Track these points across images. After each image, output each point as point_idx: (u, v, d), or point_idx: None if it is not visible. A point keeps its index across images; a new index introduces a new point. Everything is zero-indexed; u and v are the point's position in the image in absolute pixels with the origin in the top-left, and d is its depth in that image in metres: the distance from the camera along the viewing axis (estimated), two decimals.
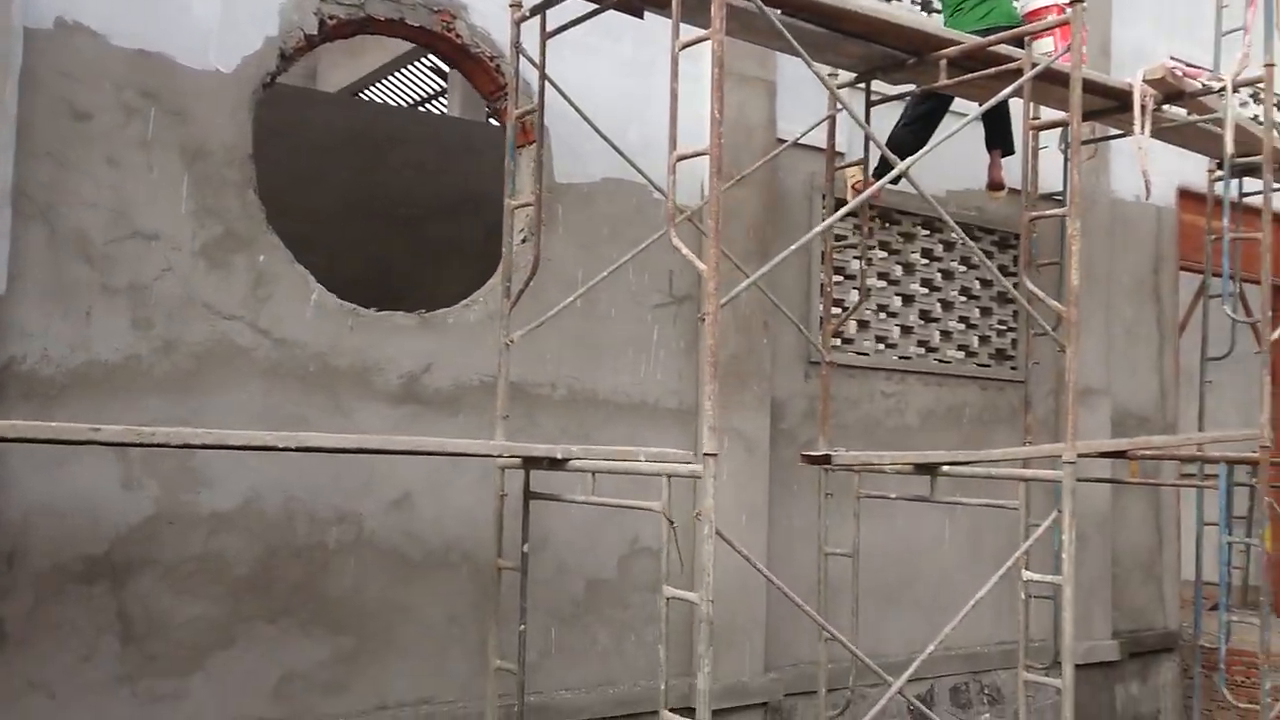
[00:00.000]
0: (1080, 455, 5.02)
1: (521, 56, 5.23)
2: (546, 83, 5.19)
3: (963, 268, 7.47)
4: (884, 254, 7.10)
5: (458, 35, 5.56)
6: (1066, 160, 7.12)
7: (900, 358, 7.10)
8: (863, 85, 6.08)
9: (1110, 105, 6.66)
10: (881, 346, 7.06)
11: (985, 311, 7.57)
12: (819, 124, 6.18)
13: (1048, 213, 5.34)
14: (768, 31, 5.17)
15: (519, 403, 5.58)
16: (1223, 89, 6.27)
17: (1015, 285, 7.37)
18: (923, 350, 7.26)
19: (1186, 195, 8.63)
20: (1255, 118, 9.17)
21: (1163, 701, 8.38)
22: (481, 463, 5.33)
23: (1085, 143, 7.19)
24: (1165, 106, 6.72)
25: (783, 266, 6.41)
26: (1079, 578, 7.58)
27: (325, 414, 5.05)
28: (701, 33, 4.28)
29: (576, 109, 5.29)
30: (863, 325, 6.96)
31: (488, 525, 5.19)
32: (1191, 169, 8.37)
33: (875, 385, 6.92)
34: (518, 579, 5.04)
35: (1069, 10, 6.17)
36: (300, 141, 7.12)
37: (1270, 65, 6.10)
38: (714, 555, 4.05)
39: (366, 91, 12.81)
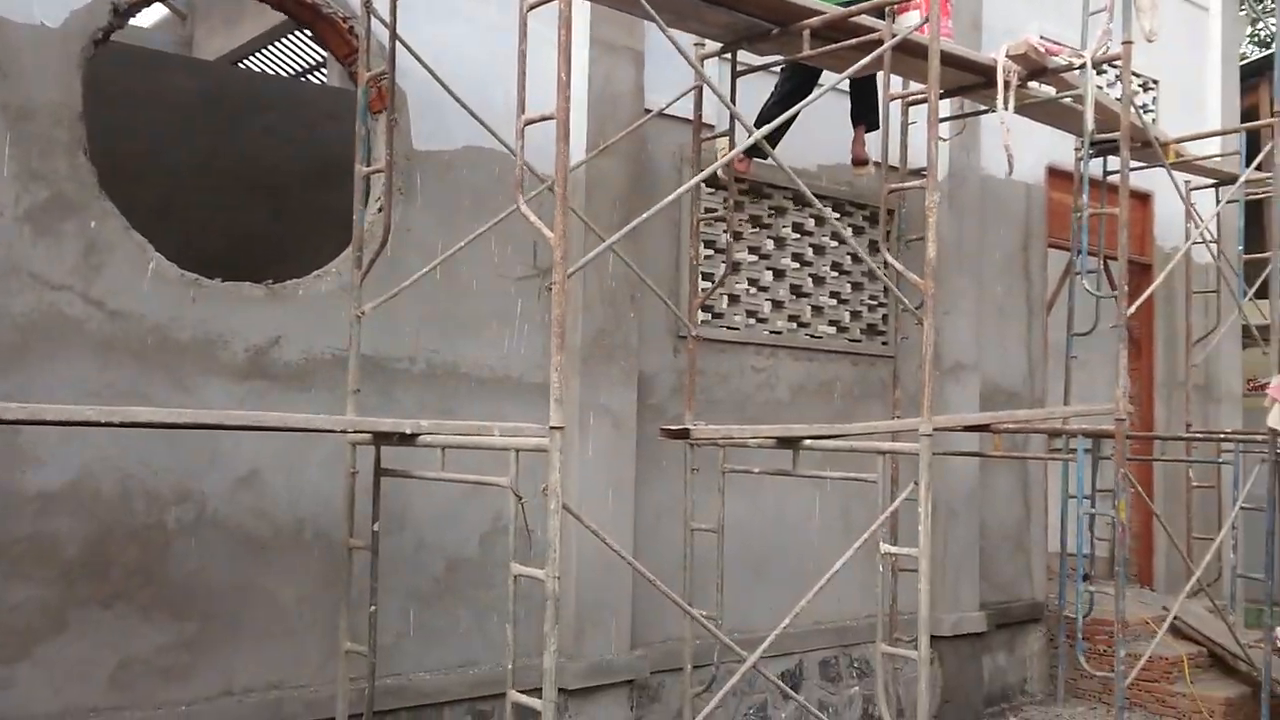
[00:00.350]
0: (940, 429, 5.02)
1: (374, 18, 5.06)
2: (404, 46, 5.02)
3: (834, 243, 7.47)
4: (755, 228, 7.06)
5: None
6: (933, 136, 7.15)
7: (771, 332, 7.09)
8: (729, 56, 6.02)
9: (976, 81, 6.70)
10: (752, 321, 7.03)
11: (857, 286, 7.59)
12: (684, 95, 6.11)
13: (905, 185, 5.32)
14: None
15: (376, 378, 5.42)
16: (1083, 66, 6.34)
17: (855, 258, 7.43)
18: (794, 325, 7.25)
19: (1055, 173, 8.77)
20: (1099, 89, 9.36)
21: (1029, 671, 8.56)
22: (336, 439, 5.15)
23: (952, 118, 7.27)
24: (1031, 83, 6.80)
25: (652, 240, 6.38)
26: (948, 551, 7.71)
27: (166, 390, 4.82)
28: None
29: (429, 70, 5.14)
30: (733, 300, 6.92)
31: (342, 503, 5.03)
32: (1061, 147, 8.51)
33: (746, 360, 6.89)
34: (373, 558, 4.89)
35: None
36: (153, 106, 6.81)
37: (1128, 43, 6.17)
38: (561, 531, 3.96)
39: (246, 61, 12.38)
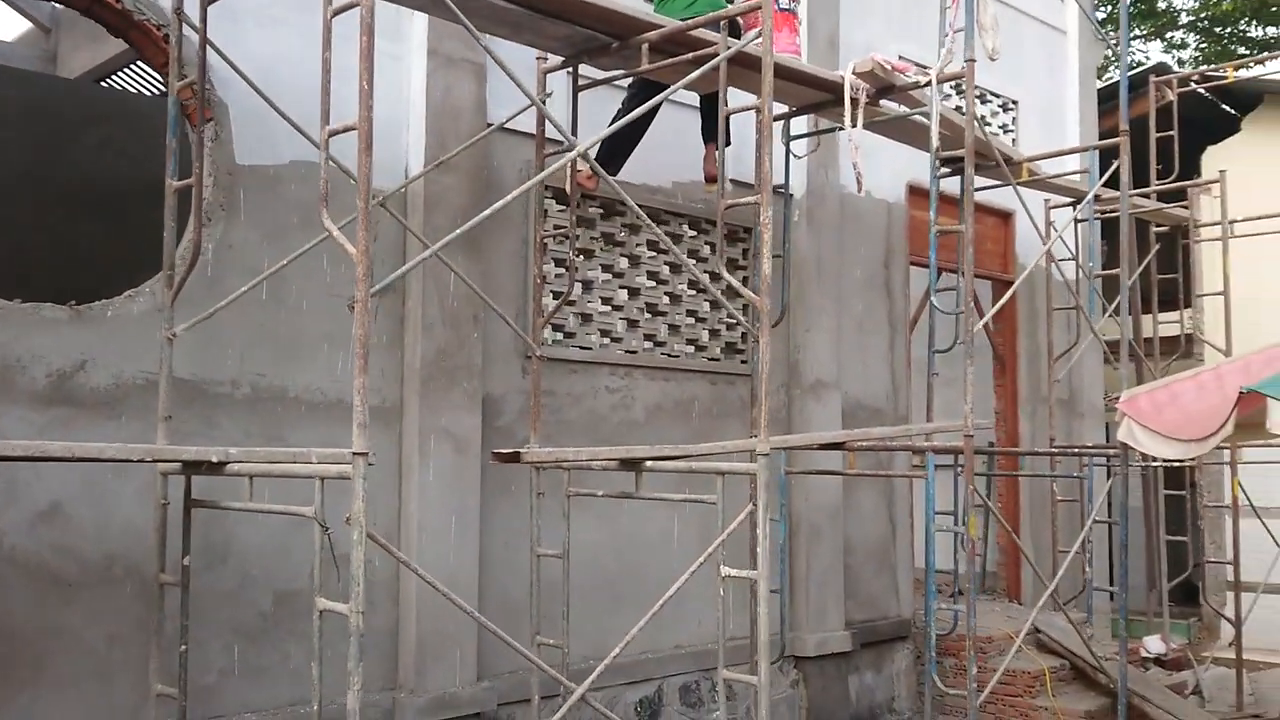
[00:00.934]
0: (779, 449, 4.92)
1: (186, 25, 4.83)
2: (216, 51, 4.79)
3: (691, 260, 7.37)
4: (608, 246, 6.94)
5: (118, 1, 5.08)
6: (788, 153, 7.13)
7: (626, 352, 6.96)
8: (571, 70, 5.89)
9: (826, 98, 6.69)
10: (607, 341, 6.90)
11: (715, 305, 7.50)
12: (524, 110, 5.95)
13: (739, 201, 5.23)
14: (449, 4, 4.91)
15: (195, 403, 5.15)
16: (928, 83, 6.35)
17: (713, 276, 7.37)
18: (650, 344, 7.13)
19: (916, 190, 8.81)
20: (958, 110, 9.46)
21: (897, 689, 8.53)
22: (150, 469, 4.87)
23: (804, 135, 7.24)
24: (884, 101, 6.81)
25: (499, 259, 6.22)
26: (811, 570, 7.65)
27: None
28: None
29: (245, 78, 4.92)
30: (586, 319, 6.78)
31: (154, 537, 4.75)
32: (921, 165, 8.50)
33: (599, 380, 6.74)
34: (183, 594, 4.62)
35: (780, 1, 6.18)
36: None
37: (971, 61, 6.21)
38: (363, 562, 3.74)
39: (112, 79, 11.90)
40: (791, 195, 7.83)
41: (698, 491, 5.44)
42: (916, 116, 6.78)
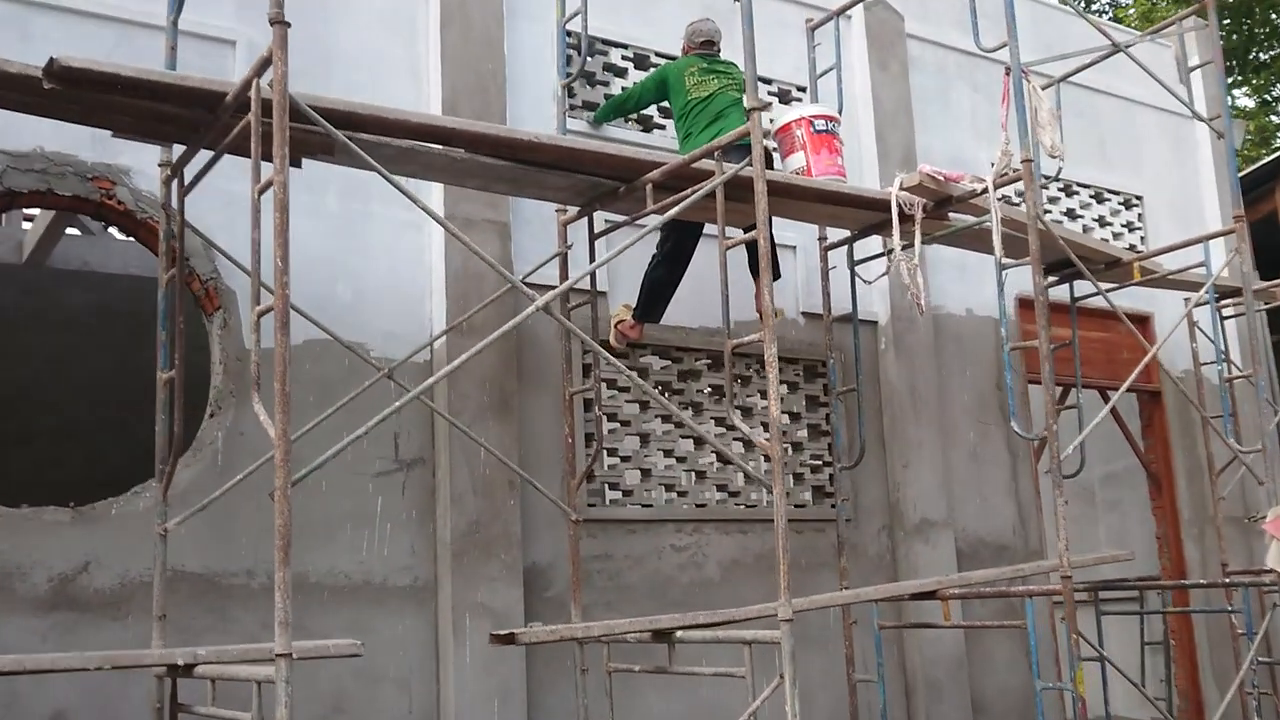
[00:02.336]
0: (799, 611, 4.37)
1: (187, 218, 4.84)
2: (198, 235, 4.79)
3: (762, 401, 6.93)
4: (665, 393, 6.57)
5: (120, 202, 5.18)
6: (854, 278, 6.66)
7: (697, 505, 6.50)
8: (589, 216, 5.67)
9: (885, 218, 6.23)
10: (672, 495, 6.47)
11: (796, 447, 6.99)
12: (546, 263, 5.74)
13: (746, 339, 4.80)
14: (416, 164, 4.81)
15: (208, 597, 5.01)
16: (984, 191, 5.82)
17: (794, 415, 6.87)
18: (724, 495, 6.66)
19: (1026, 304, 8.12)
20: (1070, 213, 8.79)
21: None
22: (154, 672, 4.71)
23: (870, 258, 6.77)
24: (954, 215, 6.30)
25: (536, 419, 5.94)
26: None
27: None
28: (269, 174, 3.79)
29: (235, 262, 4.86)
30: (645, 474, 6.38)
31: None
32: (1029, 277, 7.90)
33: (663, 539, 6.30)
34: None
35: (815, 123, 5.85)
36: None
37: (1027, 161, 5.66)
38: None
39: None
40: (875, 322, 7.34)
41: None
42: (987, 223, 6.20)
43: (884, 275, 6.89)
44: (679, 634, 4.74)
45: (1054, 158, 5.99)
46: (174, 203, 4.66)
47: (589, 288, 5.62)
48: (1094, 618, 7.61)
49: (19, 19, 5.03)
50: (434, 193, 5.86)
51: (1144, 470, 9.01)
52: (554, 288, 5.83)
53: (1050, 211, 8.65)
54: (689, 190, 4.95)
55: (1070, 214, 8.78)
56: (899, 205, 6.01)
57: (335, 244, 5.60)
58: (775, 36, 7.28)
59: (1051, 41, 8.24)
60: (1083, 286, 7.67)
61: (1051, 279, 7.58)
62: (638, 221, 5.57)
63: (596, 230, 5.63)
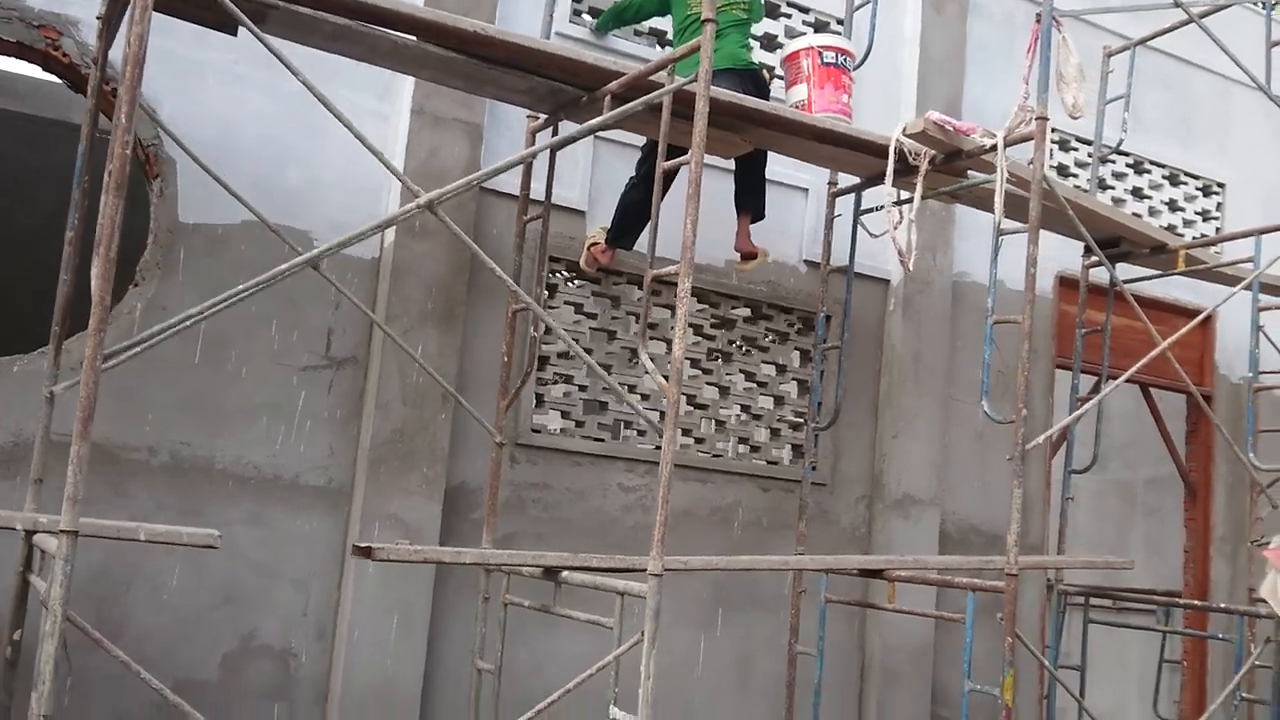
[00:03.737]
0: (668, 569, 4.03)
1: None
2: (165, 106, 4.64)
3: (746, 348, 6.54)
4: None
5: (64, 54, 5.01)
6: (855, 230, 6.18)
7: (655, 447, 6.17)
8: (554, 125, 5.32)
9: (897, 166, 5.73)
10: (630, 433, 6.15)
11: (779, 400, 6.59)
12: (508, 166, 5.38)
13: (663, 271, 4.41)
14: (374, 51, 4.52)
15: (104, 468, 4.89)
16: (994, 147, 5.29)
17: (780, 368, 6.47)
18: (687, 440, 6.32)
19: (1068, 283, 7.53)
20: (1136, 192, 8.10)
21: None
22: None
23: (878, 209, 6.27)
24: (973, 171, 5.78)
25: (485, 330, 5.67)
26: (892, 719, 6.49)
27: None
28: None
29: (174, 138, 4.63)
30: (600, 406, 6.07)
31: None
32: (1075, 253, 7.30)
33: (611, 477, 5.99)
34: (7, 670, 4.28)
35: (824, 54, 5.41)
36: None
37: (1043, 119, 5.11)
38: (52, 655, 3.21)
39: None
40: (886, 280, 6.85)
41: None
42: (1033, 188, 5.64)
43: (895, 229, 6.37)
44: (565, 574, 4.46)
45: (1074, 117, 5.40)
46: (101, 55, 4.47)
47: (544, 199, 5.26)
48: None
49: None
50: (406, 85, 5.58)
51: (1169, 481, 8.37)
52: (516, 197, 5.59)
53: (1113, 188, 7.97)
54: (638, 101, 4.56)
55: (1136, 193, 8.08)
56: (903, 153, 5.52)
57: (289, 125, 5.37)
58: None
59: (1140, 5, 7.54)
60: (1134, 274, 7.08)
61: (1093, 259, 7.03)
62: (601, 134, 5.21)
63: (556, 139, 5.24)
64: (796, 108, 5.63)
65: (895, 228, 5.41)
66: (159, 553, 4.92)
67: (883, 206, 5.83)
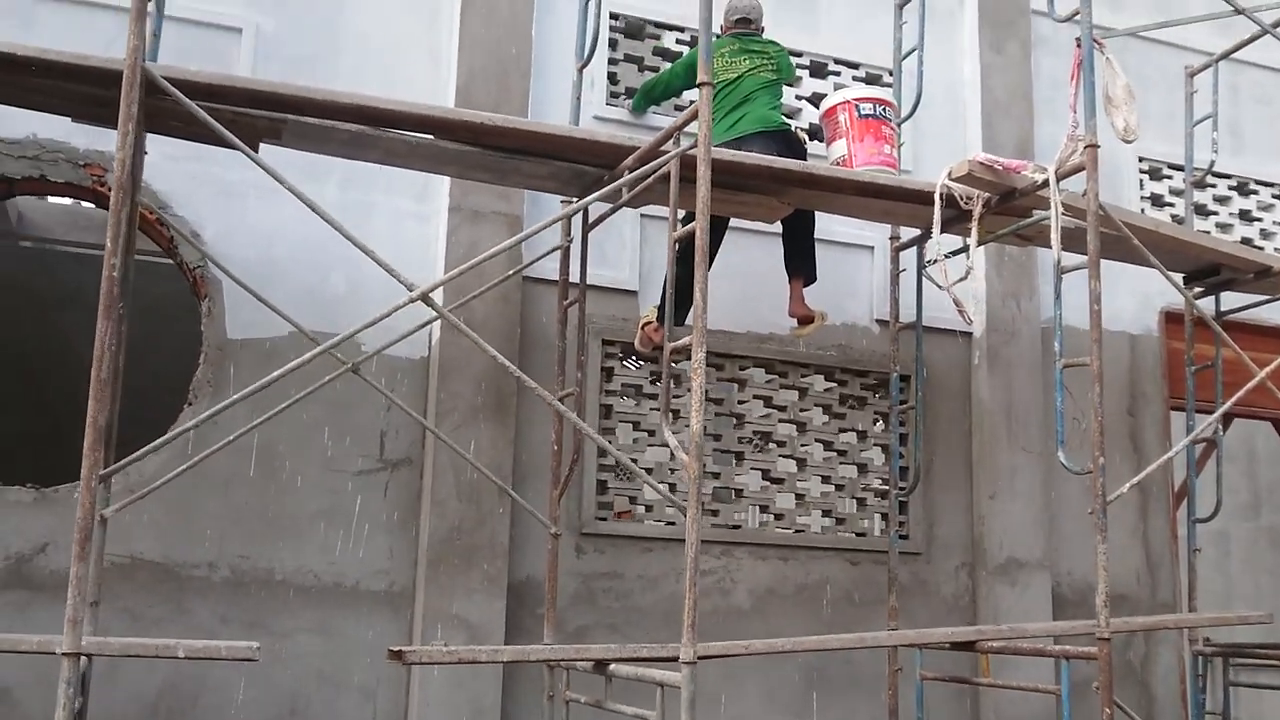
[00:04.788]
0: (703, 657, 3.82)
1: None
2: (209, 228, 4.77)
3: (825, 416, 6.28)
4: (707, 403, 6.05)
5: (109, 188, 5.20)
6: (920, 282, 5.92)
7: (730, 526, 5.95)
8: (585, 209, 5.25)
9: (953, 214, 5.49)
10: (707, 514, 5.94)
11: (862, 469, 6.29)
12: (543, 256, 5.37)
13: (678, 343, 4.25)
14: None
15: (163, 586, 4.96)
16: (1046, 182, 4.99)
17: (861, 434, 6.18)
18: (766, 516, 6.08)
19: (1175, 318, 7.05)
20: (1244, 214, 7.57)
21: None
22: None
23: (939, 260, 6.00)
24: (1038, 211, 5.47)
25: (538, 420, 5.60)
26: None
27: None
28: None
29: (214, 261, 4.79)
30: (671, 489, 5.90)
31: None
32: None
33: (684, 561, 5.76)
34: None
35: (860, 106, 5.27)
36: None
37: (1093, 146, 4.80)
38: None
39: None
40: (968, 334, 6.53)
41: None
42: (1068, 221, 5.31)
43: (961, 279, 6.08)
44: (613, 667, 4.27)
45: (1127, 141, 5.07)
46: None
47: (578, 280, 5.17)
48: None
49: (20, 7, 5.16)
50: (443, 184, 5.62)
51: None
52: (602, 288, 5.56)
53: (1216, 214, 7.48)
54: (643, 170, 4.46)
55: (1244, 215, 7.56)
56: (953, 198, 5.28)
57: (331, 233, 5.40)
58: (867, 13, 6.63)
59: (1228, 21, 7.11)
60: (1237, 301, 6.60)
61: (1195, 290, 6.57)
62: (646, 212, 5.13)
63: (589, 222, 5.19)
64: (837, 164, 5.45)
65: (948, 278, 5.13)
66: (223, 668, 4.94)
67: (946, 256, 5.57)
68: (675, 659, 3.81)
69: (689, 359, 4.00)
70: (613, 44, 6.14)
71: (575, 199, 5.25)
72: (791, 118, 6.14)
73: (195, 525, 5.03)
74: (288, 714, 5.05)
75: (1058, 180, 4.98)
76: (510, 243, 4.30)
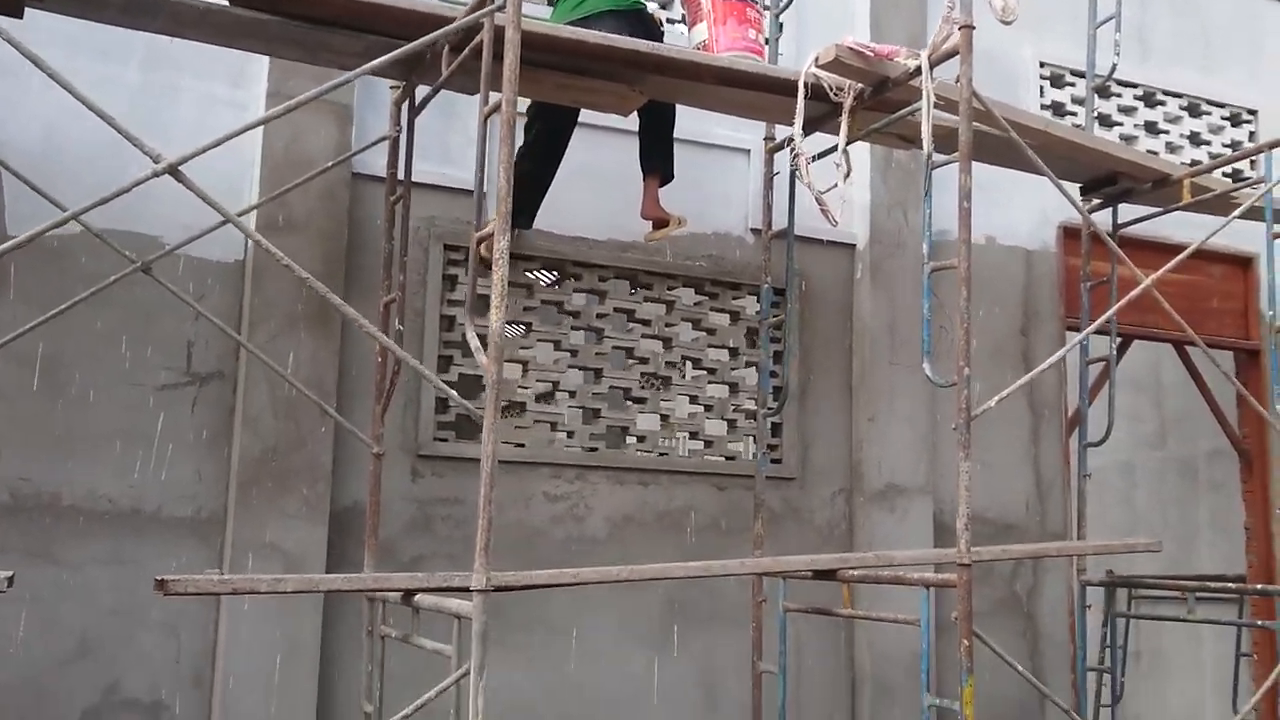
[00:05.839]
0: (498, 588, 3.38)
1: None
2: None
3: (694, 331, 5.84)
4: (561, 317, 5.58)
5: None
6: (793, 187, 5.45)
7: (585, 449, 5.51)
8: (411, 93, 4.72)
9: (825, 109, 5.02)
10: (558, 435, 5.49)
11: (733, 388, 5.87)
12: (372, 145, 4.84)
13: (483, 232, 3.77)
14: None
15: None
16: (918, 69, 4.53)
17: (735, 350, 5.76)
18: (629, 438, 5.65)
19: (1073, 233, 6.67)
20: (1150, 126, 7.20)
21: None
22: None
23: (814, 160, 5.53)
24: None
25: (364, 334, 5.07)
26: None
27: None
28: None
29: None
30: (516, 408, 5.44)
31: None
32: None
33: (534, 485, 5.34)
34: None
35: None
36: None
37: (967, 28, 4.33)
38: None
39: None
40: (851, 245, 6.11)
41: None
42: (944, 116, 4.85)
43: (836, 186, 5.62)
44: (419, 598, 3.83)
45: (1005, 23, 4.61)
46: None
47: (403, 176, 4.65)
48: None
49: None
50: (262, 68, 5.05)
51: (1221, 455, 7.42)
52: (436, 187, 5.08)
53: (1120, 124, 7.09)
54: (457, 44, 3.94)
55: (1151, 128, 7.18)
56: (822, 89, 4.81)
57: (132, 121, 4.76)
58: None
59: None
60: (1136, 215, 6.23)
61: (1096, 201, 6.20)
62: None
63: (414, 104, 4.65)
64: (698, 49, 4.96)
65: (807, 174, 4.68)
66: None
67: (821, 155, 5.11)
68: (467, 589, 3.35)
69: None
70: None
71: (402, 80, 4.73)
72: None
73: None
74: (76, 653, 4.55)
75: (931, 67, 4.52)
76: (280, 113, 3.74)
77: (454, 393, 3.76)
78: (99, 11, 4.16)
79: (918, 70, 4.58)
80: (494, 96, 3.72)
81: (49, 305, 4.56)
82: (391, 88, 4.87)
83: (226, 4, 4.17)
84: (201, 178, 4.87)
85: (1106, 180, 5.99)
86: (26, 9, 4.14)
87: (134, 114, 4.84)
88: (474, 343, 3.64)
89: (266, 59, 5.00)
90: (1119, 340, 6.39)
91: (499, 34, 3.67)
